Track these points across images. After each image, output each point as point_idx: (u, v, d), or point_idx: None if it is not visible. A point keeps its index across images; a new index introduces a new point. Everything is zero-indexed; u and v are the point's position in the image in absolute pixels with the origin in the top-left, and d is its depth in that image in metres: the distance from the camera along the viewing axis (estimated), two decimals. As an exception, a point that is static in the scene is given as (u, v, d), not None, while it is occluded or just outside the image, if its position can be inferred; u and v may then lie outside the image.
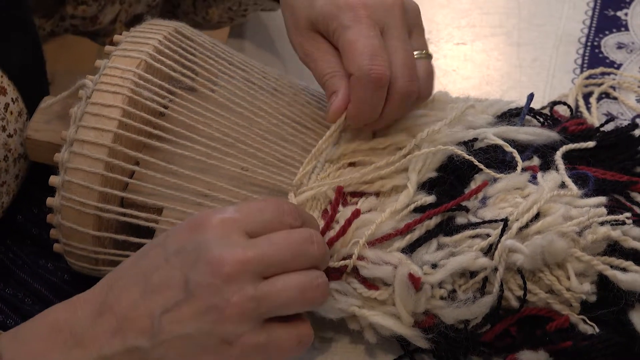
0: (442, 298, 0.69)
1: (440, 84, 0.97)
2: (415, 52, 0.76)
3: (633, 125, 0.83)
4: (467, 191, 0.74)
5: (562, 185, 0.74)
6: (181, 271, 0.62)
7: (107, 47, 0.77)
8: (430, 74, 0.78)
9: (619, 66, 0.96)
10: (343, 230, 0.71)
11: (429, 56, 0.78)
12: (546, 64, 0.98)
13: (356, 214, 0.72)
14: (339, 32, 0.73)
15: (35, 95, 0.81)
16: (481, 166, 0.74)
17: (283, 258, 0.63)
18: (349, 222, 0.71)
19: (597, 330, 0.69)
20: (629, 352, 0.69)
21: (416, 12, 0.78)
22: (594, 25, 1.01)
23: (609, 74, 0.95)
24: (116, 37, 0.79)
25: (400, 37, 0.74)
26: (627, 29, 1.00)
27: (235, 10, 1.04)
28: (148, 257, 0.64)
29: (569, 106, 0.87)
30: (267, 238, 0.64)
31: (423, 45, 0.78)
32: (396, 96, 0.74)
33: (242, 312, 0.62)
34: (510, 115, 0.83)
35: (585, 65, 0.97)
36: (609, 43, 0.99)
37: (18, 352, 0.63)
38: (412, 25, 0.77)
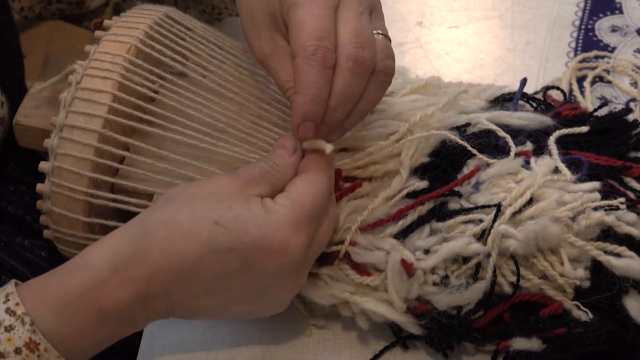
0: (434, 284, 0.69)
1: (433, 67, 0.96)
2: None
3: (627, 110, 0.82)
4: (459, 176, 0.74)
5: (556, 170, 0.74)
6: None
7: (97, 32, 0.76)
8: (388, 49, 0.69)
9: (613, 49, 0.95)
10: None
11: (386, 37, 0.71)
12: (540, 47, 0.97)
13: (358, 184, 0.72)
14: (291, 11, 0.67)
15: (10, 79, 0.80)
16: (474, 151, 0.74)
17: None
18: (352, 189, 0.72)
19: (591, 316, 0.69)
20: (623, 338, 0.68)
21: None
22: (588, 7, 1.00)
23: (602, 57, 0.94)
24: (106, 22, 0.78)
25: (353, 9, 0.68)
26: (621, 12, 0.99)
27: (209, 13, 1.02)
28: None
29: (562, 91, 0.86)
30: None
31: (382, 28, 0.71)
32: (343, 64, 0.65)
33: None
34: (503, 100, 0.82)
35: (579, 48, 0.96)
36: (603, 26, 0.98)
37: (62, 328, 0.62)
38: (372, 7, 0.71)
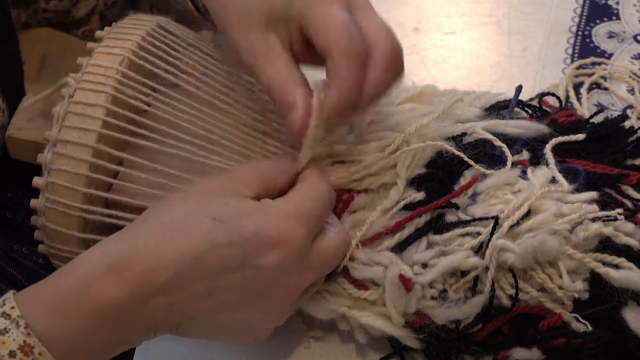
0: (433, 298, 0.69)
1: (430, 73, 0.96)
2: None
3: (623, 117, 0.82)
4: (456, 187, 0.74)
5: (553, 180, 0.73)
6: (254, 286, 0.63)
7: (89, 44, 0.76)
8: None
9: (609, 56, 0.95)
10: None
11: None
12: (536, 53, 0.97)
13: (350, 198, 0.72)
14: (307, 11, 0.67)
15: (11, 87, 0.80)
16: (470, 162, 0.73)
17: None
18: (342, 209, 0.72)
19: (590, 328, 0.68)
20: (622, 350, 0.68)
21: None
22: (585, 14, 1.00)
23: (599, 64, 0.94)
24: (98, 33, 0.77)
25: (369, 9, 0.69)
26: (618, 18, 0.99)
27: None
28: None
29: (557, 97, 0.86)
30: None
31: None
32: (379, 59, 0.67)
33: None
34: (499, 108, 0.82)
35: (576, 55, 0.96)
36: (600, 32, 0.98)
37: (56, 327, 0.60)
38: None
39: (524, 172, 0.74)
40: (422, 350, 0.71)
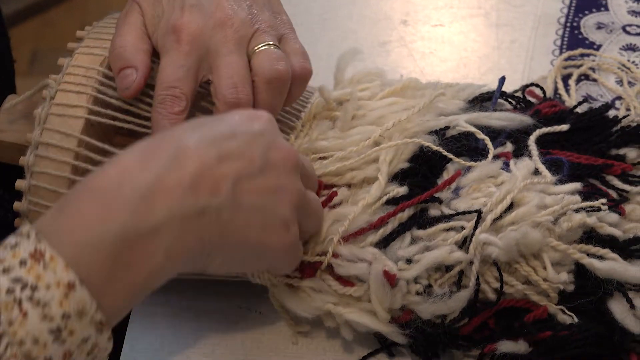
0: (418, 293, 0.69)
1: (418, 66, 0.95)
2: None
3: (606, 106, 0.82)
4: (439, 181, 0.73)
5: (536, 171, 0.73)
6: (257, 148, 0.63)
7: (70, 44, 0.76)
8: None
9: (598, 47, 0.95)
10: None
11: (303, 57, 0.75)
12: (525, 45, 0.96)
13: (334, 194, 0.73)
14: (160, 54, 0.72)
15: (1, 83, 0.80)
16: (451, 156, 0.73)
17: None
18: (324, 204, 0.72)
19: (576, 320, 0.68)
20: (608, 341, 0.68)
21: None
22: (573, 5, 0.99)
23: (588, 55, 0.93)
24: (79, 33, 0.77)
25: (223, 52, 0.73)
26: (606, 9, 0.99)
27: None
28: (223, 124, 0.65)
29: (541, 88, 0.86)
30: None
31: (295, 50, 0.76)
32: (220, 106, 0.71)
33: (296, 202, 0.66)
34: (482, 100, 0.82)
35: (564, 46, 0.95)
36: (588, 23, 0.97)
37: (64, 228, 0.57)
38: (279, 35, 0.76)
39: (507, 164, 0.74)
40: (409, 346, 0.71)
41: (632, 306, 0.68)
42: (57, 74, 0.74)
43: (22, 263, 0.54)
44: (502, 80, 0.82)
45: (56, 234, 0.56)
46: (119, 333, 0.74)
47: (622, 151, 0.78)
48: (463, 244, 0.69)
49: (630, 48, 0.94)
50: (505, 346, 0.68)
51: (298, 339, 0.74)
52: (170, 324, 0.76)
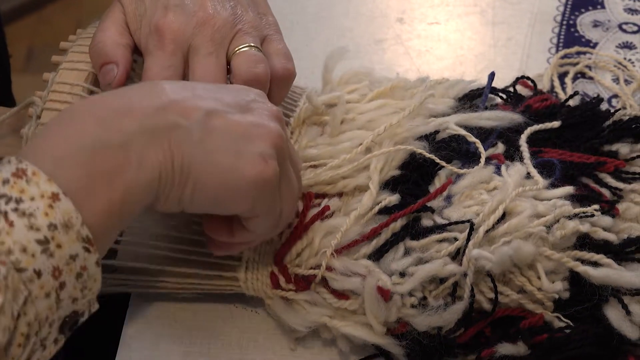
0: (412, 306, 0.68)
1: (414, 64, 0.95)
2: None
3: (597, 100, 0.81)
4: (431, 189, 0.73)
5: (528, 175, 0.73)
6: (242, 97, 0.65)
7: (54, 58, 0.75)
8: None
9: (594, 45, 0.94)
10: (305, 228, 0.71)
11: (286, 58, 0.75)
12: (521, 43, 0.96)
13: (326, 208, 0.72)
14: (144, 55, 0.72)
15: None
16: (443, 163, 0.73)
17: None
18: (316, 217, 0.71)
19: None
20: (606, 345, 0.68)
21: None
22: (569, 2, 0.99)
23: (584, 53, 0.93)
24: (62, 44, 0.76)
25: (201, 52, 0.72)
26: (603, 7, 0.98)
27: None
28: None
29: (532, 81, 0.85)
30: None
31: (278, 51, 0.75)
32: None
33: (278, 144, 0.64)
34: (472, 97, 0.81)
35: (560, 44, 0.95)
36: (584, 21, 0.97)
37: (43, 147, 0.58)
38: (262, 36, 0.75)
39: (499, 168, 0.74)
40: (406, 355, 0.70)
41: (628, 312, 0.68)
42: (52, 71, 0.73)
43: (5, 182, 0.54)
44: (491, 76, 0.82)
45: (37, 153, 0.57)
46: (115, 332, 0.74)
47: (614, 147, 0.77)
48: (457, 255, 0.69)
49: (627, 46, 0.94)
50: (504, 348, 0.68)
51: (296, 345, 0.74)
52: (166, 324, 0.75)
